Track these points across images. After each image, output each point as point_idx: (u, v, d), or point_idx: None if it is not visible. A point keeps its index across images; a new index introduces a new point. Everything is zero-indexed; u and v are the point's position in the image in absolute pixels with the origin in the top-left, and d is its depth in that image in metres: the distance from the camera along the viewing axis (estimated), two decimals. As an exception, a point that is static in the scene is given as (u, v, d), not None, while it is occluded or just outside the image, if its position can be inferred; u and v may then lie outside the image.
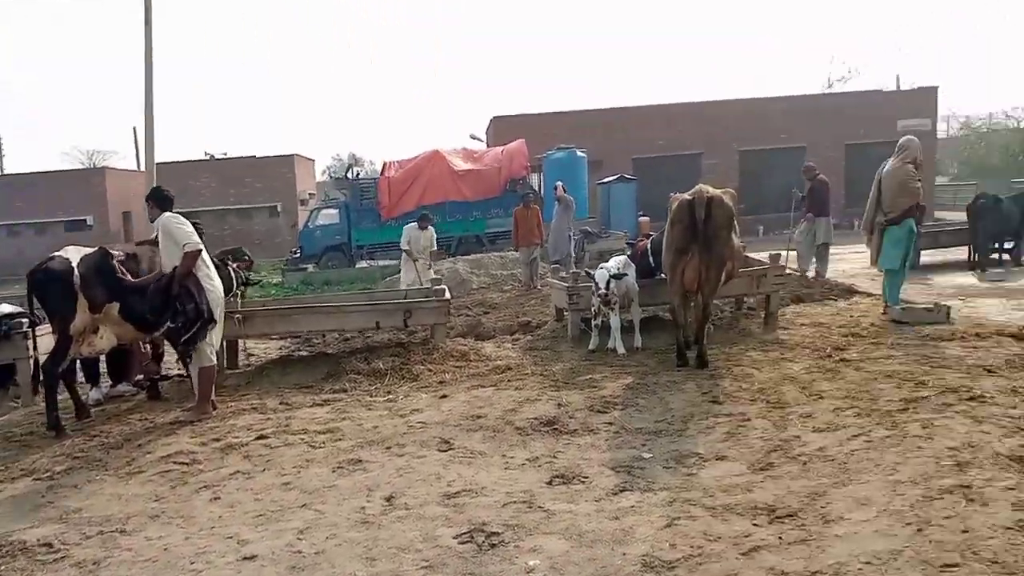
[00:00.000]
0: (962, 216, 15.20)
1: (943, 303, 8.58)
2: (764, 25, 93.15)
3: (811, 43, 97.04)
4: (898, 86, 32.11)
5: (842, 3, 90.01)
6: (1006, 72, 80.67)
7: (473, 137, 34.22)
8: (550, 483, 4.46)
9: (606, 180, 21.85)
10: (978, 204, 13.66)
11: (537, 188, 21.97)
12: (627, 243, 11.30)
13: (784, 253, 9.60)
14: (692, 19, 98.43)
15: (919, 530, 3.50)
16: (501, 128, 27.01)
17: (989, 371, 5.95)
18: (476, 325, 9.65)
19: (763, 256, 9.16)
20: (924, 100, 28.45)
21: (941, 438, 4.60)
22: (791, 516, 3.78)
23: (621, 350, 7.54)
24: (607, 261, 8.41)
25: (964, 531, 3.44)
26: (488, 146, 27.62)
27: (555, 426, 5.43)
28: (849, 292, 10.58)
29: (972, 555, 3.26)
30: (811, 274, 11.94)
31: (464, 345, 8.23)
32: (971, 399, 5.28)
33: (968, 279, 12.29)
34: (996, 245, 13.72)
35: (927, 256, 14.12)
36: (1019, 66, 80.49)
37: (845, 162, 26.71)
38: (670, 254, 6.94)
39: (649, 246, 8.54)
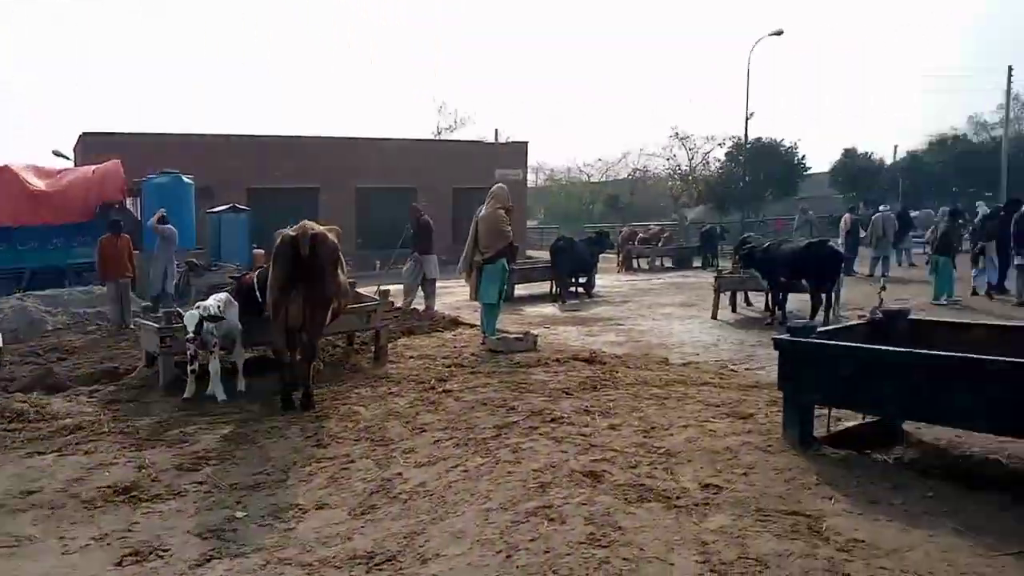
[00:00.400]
0: (547, 255, 17.34)
1: (532, 332, 9.48)
2: (384, 71, 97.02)
3: (425, 91, 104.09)
4: (496, 139, 35.81)
5: (452, 59, 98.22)
6: (582, 133, 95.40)
7: (57, 154, 29.73)
8: (120, 564, 3.77)
9: (216, 209, 20.47)
10: (558, 245, 15.77)
11: (137, 215, 19.71)
12: (231, 277, 10.51)
13: (391, 288, 9.79)
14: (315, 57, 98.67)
15: (508, 556, 3.63)
16: (92, 146, 23.85)
17: (567, 393, 6.64)
18: (46, 375, 8.08)
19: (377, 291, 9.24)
20: (517, 153, 32.10)
21: (528, 461, 4.93)
22: (389, 561, 3.66)
23: (221, 396, 6.89)
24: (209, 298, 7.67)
25: (546, 551, 3.65)
26: (76, 164, 24.15)
27: (133, 493, 4.66)
28: (454, 323, 11.18)
29: (553, 574, 3.45)
30: (421, 308, 12.41)
31: (23, 402, 6.81)
32: (552, 421, 5.80)
33: (552, 309, 13.93)
34: (573, 280, 15.87)
35: (520, 289, 15.74)
36: (590, 130, 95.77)
37: (452, 204, 28.77)
38: (274, 292, 6.57)
39: (256, 280, 8.02)
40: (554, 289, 15.49)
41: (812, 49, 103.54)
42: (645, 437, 5.33)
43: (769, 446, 4.98)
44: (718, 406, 6.08)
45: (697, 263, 23.29)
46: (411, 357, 8.67)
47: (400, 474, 4.86)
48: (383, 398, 6.80)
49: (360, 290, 9.53)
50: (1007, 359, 4.02)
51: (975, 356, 4.14)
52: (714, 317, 12.00)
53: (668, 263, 24.13)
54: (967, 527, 3.68)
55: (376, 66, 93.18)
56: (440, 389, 7.00)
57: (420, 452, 5.25)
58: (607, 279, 19.07)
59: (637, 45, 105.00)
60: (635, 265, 23.41)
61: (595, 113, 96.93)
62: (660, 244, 24.49)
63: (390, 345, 8.94)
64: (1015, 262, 13.01)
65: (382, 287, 9.44)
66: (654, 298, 15.30)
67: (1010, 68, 39.91)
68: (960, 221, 15.82)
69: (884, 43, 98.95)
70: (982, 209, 18.53)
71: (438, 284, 13.23)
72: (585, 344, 9.56)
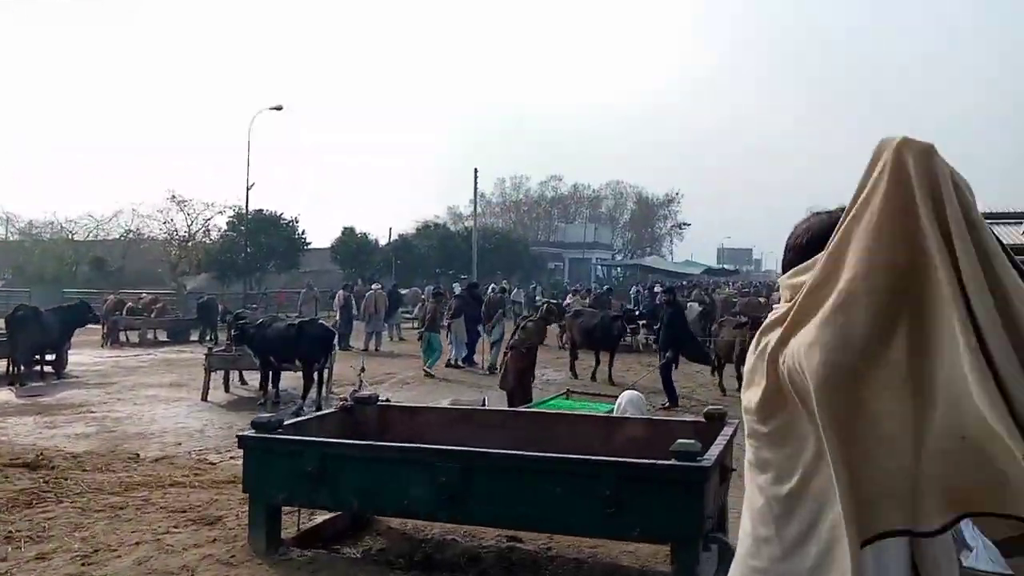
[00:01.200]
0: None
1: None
2: None
3: None
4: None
5: None
6: (66, 184, 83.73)
7: None
8: None
9: None
10: (18, 315, 13.25)
11: None
12: None
13: None
14: None
15: None
16: None
17: (-16, 517, 5.26)
18: None
19: None
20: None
21: None
22: None
23: None
24: None
25: None
26: None
27: None
28: None
29: None
30: None
31: None
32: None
33: (6, 395, 11.60)
34: (38, 357, 13.44)
35: (-38, 371, 12.77)
36: (77, 182, 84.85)
37: None
38: None
39: None
40: (12, 369, 12.86)
41: (315, 130, 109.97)
42: (84, 565, 4.41)
43: (233, 556, 4.52)
44: (184, 511, 5.41)
45: (195, 336, 21.87)
46: None
47: None
48: None
49: None
50: (439, 447, 4.27)
51: (417, 445, 4.33)
52: (204, 399, 11.18)
53: (163, 336, 22.14)
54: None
55: None
56: None
57: None
58: (87, 355, 16.66)
59: (129, 96, 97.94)
60: (123, 339, 20.93)
61: (82, 163, 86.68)
62: (153, 315, 22.34)
63: None
64: (489, 338, 15.17)
65: None
66: (140, 377, 13.77)
67: (476, 170, 47.39)
68: (443, 299, 17.78)
69: (382, 135, 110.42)
70: (457, 288, 21.29)
71: None
72: (38, 441, 7.99)
